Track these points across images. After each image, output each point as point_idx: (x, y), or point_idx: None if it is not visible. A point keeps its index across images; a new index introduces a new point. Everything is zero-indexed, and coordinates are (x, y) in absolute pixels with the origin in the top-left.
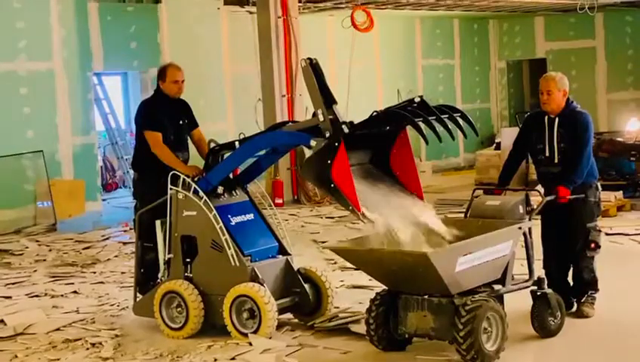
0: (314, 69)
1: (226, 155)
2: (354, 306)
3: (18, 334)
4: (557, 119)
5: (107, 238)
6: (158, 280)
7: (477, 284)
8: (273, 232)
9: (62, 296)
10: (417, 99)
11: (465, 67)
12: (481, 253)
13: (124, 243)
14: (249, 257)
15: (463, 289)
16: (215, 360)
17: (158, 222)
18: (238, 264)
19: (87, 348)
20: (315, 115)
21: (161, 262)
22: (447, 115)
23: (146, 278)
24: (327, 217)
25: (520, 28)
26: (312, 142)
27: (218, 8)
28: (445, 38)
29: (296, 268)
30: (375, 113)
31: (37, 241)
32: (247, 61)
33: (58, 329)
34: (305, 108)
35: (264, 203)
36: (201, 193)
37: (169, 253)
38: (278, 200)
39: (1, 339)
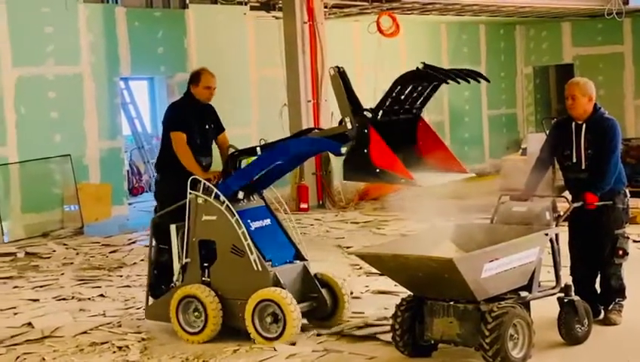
0: (342, 76)
1: (250, 160)
2: (379, 312)
3: (46, 337)
4: (584, 125)
5: (133, 242)
6: (172, 285)
7: (503, 291)
8: (289, 238)
9: (89, 299)
10: (421, 65)
11: (491, 73)
12: (507, 259)
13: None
14: (270, 262)
15: (489, 296)
16: None
17: (172, 227)
18: (260, 269)
19: (114, 352)
20: (342, 122)
21: (176, 266)
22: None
23: (158, 281)
24: (352, 222)
25: (547, 33)
26: (343, 149)
27: (244, 14)
28: (471, 44)
29: (312, 274)
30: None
31: (64, 245)
32: (273, 66)
33: (85, 333)
34: (331, 114)
35: (279, 208)
36: (222, 197)
37: (186, 258)
38: (303, 205)
39: (28, 342)
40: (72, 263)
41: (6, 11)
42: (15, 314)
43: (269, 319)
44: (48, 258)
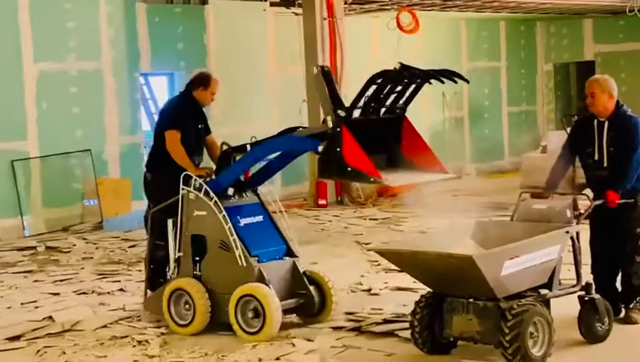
0: (325, 76)
1: (238, 158)
2: (398, 308)
3: (66, 330)
4: (606, 123)
5: None
6: (168, 278)
7: (523, 288)
8: (281, 234)
9: (108, 293)
10: (397, 66)
11: (511, 70)
12: (527, 256)
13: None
14: (256, 258)
15: (509, 293)
16: (260, 359)
17: (170, 221)
18: (244, 264)
19: (134, 346)
20: (324, 121)
21: (172, 259)
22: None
23: (155, 275)
24: (370, 219)
25: (568, 30)
26: (320, 148)
27: (264, 10)
28: (491, 41)
29: (302, 271)
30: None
31: (84, 239)
32: (293, 62)
33: (105, 326)
34: None
35: (272, 205)
36: (211, 194)
37: (179, 252)
38: (322, 201)
39: (49, 336)
40: (91, 257)
41: (28, 7)
42: (36, 307)
43: (250, 314)
44: (68, 252)
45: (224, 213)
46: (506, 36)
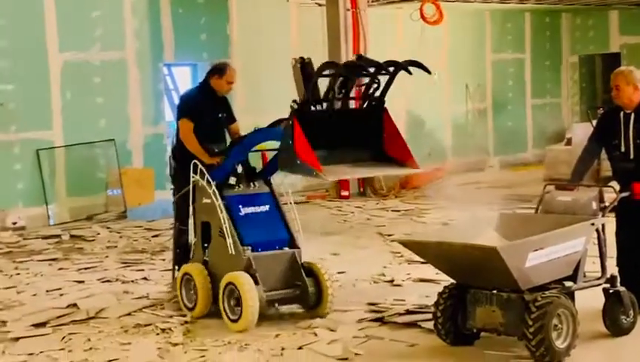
0: (303, 67)
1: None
2: (420, 300)
3: (91, 318)
4: (633, 115)
5: None
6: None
7: (548, 280)
8: (287, 225)
9: (132, 281)
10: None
11: (535, 61)
12: (552, 248)
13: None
14: (249, 247)
15: (533, 285)
16: (282, 349)
17: (192, 208)
18: (233, 252)
19: (158, 333)
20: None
21: (192, 244)
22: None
23: (181, 258)
24: (392, 210)
25: (594, 22)
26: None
27: (287, 1)
28: (516, 32)
29: (302, 262)
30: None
31: (108, 228)
32: (316, 53)
33: (129, 314)
34: None
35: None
36: (211, 182)
37: (194, 237)
38: (344, 193)
39: (74, 323)
40: (115, 246)
41: None
42: (61, 295)
43: (232, 301)
44: (93, 241)
45: (220, 201)
46: (531, 28)
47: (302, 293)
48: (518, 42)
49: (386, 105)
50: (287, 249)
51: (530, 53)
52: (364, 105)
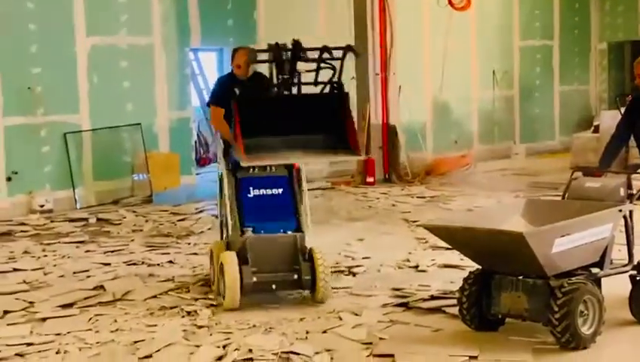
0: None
1: None
2: (445, 285)
3: (117, 299)
4: None
5: (201, 211)
6: None
7: (574, 267)
8: (296, 209)
9: (158, 265)
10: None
11: (564, 48)
12: (579, 234)
13: (217, 217)
14: (250, 228)
15: (560, 271)
16: (307, 332)
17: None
18: (231, 232)
19: (183, 316)
20: None
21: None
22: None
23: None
24: (418, 197)
25: (623, 8)
26: None
27: None
28: (544, 19)
29: (307, 247)
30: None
31: (134, 212)
32: (342, 39)
33: (155, 297)
34: (398, 87)
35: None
36: (224, 165)
37: (220, 217)
38: (370, 179)
39: (101, 304)
40: (141, 230)
41: None
42: (87, 276)
43: (222, 281)
44: (119, 224)
45: (225, 182)
46: (559, 14)
47: (298, 278)
48: (546, 28)
49: (347, 91)
50: (290, 233)
51: (558, 39)
52: (325, 91)
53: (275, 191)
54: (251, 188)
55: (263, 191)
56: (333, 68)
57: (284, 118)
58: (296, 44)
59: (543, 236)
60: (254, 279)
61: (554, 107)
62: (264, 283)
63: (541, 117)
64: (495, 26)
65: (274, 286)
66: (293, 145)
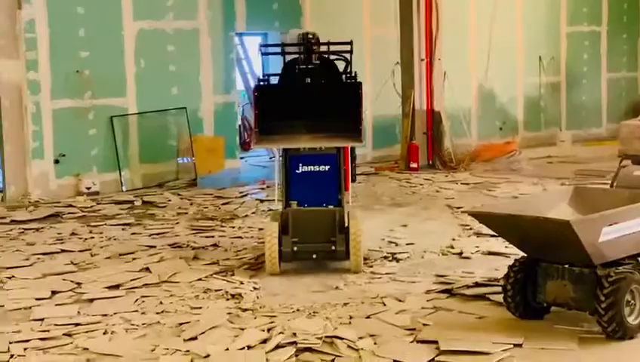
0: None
1: None
2: (489, 273)
3: (163, 281)
4: None
5: (245, 195)
6: None
7: (621, 256)
8: (340, 186)
9: (202, 248)
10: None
11: (612, 34)
12: (627, 223)
13: (261, 201)
14: (295, 202)
15: (607, 260)
16: (350, 317)
17: None
18: (277, 204)
19: (228, 299)
20: None
21: None
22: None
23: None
24: (462, 183)
25: None
26: None
27: None
28: (592, 4)
29: (345, 221)
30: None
31: (179, 195)
32: (387, 24)
33: (200, 280)
34: (444, 73)
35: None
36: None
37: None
38: (413, 165)
39: (146, 286)
40: (186, 213)
41: None
42: (133, 259)
43: None
44: (164, 207)
45: (277, 158)
46: (608, 0)
47: (335, 249)
48: (594, 14)
49: (360, 81)
50: (330, 207)
51: (606, 25)
52: (341, 81)
53: (322, 168)
54: (300, 165)
55: (310, 168)
56: (346, 59)
57: (308, 104)
58: (307, 39)
59: (591, 224)
60: (294, 248)
61: (601, 94)
62: (303, 253)
63: (588, 104)
64: (542, 12)
65: (314, 256)
66: (314, 129)
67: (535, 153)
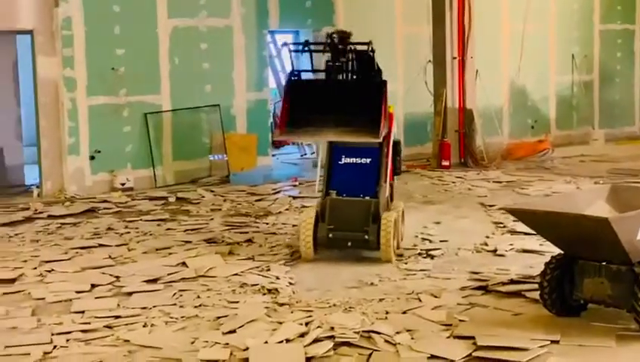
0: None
1: None
2: (524, 270)
3: (199, 276)
4: None
5: (278, 192)
6: None
7: None
8: (379, 177)
9: (237, 243)
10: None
11: None
12: None
13: (294, 198)
14: (334, 191)
15: None
16: (387, 312)
17: None
18: (316, 193)
19: (264, 294)
20: None
21: None
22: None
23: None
24: (494, 181)
25: None
26: None
27: None
28: (626, 2)
29: (380, 212)
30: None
31: (212, 191)
32: (419, 22)
33: (236, 275)
34: (476, 72)
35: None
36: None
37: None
38: (445, 163)
39: (183, 280)
40: (220, 209)
41: None
42: (170, 254)
43: None
44: (198, 203)
45: (322, 149)
46: None
47: (367, 238)
48: (627, 12)
49: (385, 79)
50: (367, 198)
51: None
52: (367, 79)
53: (364, 160)
54: (343, 156)
55: (352, 160)
56: (369, 58)
57: (337, 99)
58: (332, 39)
59: (628, 222)
60: (330, 235)
61: (634, 92)
62: (338, 240)
63: (621, 103)
64: (575, 10)
65: (349, 244)
66: (340, 123)
67: (567, 152)
